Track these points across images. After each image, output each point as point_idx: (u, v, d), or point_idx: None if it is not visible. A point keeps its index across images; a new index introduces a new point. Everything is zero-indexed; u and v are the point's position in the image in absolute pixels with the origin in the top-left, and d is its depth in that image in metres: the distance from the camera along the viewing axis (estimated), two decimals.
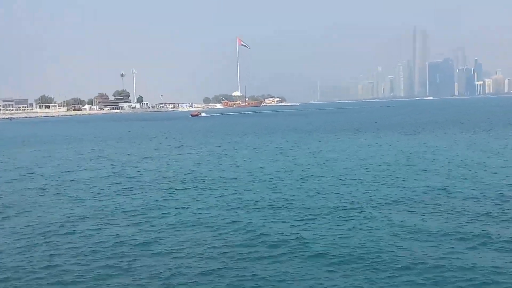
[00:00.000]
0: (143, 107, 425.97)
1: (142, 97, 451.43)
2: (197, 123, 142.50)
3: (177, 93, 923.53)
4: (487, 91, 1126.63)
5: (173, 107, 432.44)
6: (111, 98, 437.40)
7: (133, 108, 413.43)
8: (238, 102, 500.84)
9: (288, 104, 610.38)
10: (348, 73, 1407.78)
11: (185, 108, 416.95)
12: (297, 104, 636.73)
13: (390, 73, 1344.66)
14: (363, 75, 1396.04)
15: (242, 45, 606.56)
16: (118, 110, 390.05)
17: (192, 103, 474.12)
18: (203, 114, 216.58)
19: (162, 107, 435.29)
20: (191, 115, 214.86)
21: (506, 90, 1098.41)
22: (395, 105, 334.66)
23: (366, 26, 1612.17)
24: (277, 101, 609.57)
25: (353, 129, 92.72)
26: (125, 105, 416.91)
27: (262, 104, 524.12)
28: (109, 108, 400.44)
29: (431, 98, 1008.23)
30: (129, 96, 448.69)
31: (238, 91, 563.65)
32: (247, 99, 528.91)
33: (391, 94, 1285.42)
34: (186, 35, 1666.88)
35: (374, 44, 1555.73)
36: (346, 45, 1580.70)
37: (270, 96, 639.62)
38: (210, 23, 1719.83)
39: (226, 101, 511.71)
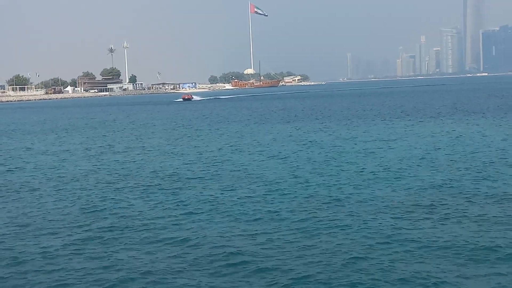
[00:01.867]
0: (136, 89, 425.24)
1: (135, 77, 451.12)
2: (175, 111, 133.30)
3: (178, 72, 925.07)
4: None
5: (173, 88, 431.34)
6: (99, 78, 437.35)
7: (124, 89, 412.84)
8: (251, 81, 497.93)
9: (312, 83, 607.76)
10: (385, 45, 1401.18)
11: (187, 89, 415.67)
12: (323, 83, 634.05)
13: (436, 44, 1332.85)
14: (403, 47, 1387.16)
15: (257, 12, 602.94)
16: (106, 93, 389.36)
17: (195, 83, 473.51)
18: (196, 98, 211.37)
19: (160, 88, 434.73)
20: (182, 98, 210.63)
21: None
22: (447, 84, 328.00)
23: None
24: (298, 79, 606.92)
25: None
26: (115, 86, 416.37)
27: (281, 83, 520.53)
28: (96, 90, 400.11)
29: (486, 74, 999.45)
30: (119, 75, 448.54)
31: (251, 68, 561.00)
32: (262, 77, 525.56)
33: (437, 70, 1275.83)
34: (188, 1, 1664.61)
35: (416, 8, 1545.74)
36: (381, 10, 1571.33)
37: (290, 74, 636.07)
38: None
39: (236, 80, 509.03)
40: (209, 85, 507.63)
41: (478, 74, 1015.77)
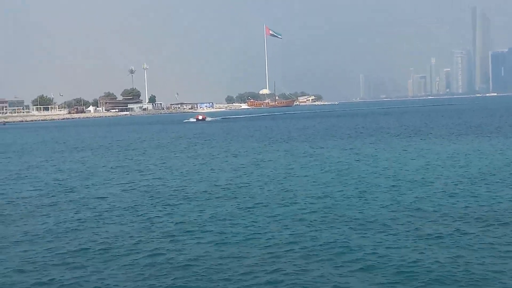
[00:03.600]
0: (156, 108, 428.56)
1: (154, 97, 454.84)
2: (182, 133, 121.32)
3: (196, 92, 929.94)
4: None
5: (191, 108, 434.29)
6: (119, 98, 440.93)
7: (144, 109, 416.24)
8: (266, 101, 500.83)
9: (326, 103, 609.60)
10: (397, 66, 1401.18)
11: (204, 108, 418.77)
12: (336, 103, 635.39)
13: (446, 65, 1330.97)
14: (414, 68, 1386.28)
15: (272, 34, 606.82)
16: (127, 112, 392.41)
17: (213, 103, 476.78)
18: (209, 119, 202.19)
19: (178, 107, 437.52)
20: (195, 118, 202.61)
21: None
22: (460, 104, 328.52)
23: (417, 10, 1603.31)
24: (312, 99, 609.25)
25: None
26: (135, 106, 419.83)
27: (295, 103, 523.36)
28: (116, 110, 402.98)
29: (495, 94, 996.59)
30: (139, 95, 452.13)
31: (266, 88, 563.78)
32: (277, 97, 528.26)
33: (447, 90, 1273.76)
34: (206, 24, 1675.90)
35: (427, 31, 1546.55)
36: (393, 33, 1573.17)
37: (304, 94, 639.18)
38: (235, 9, 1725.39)
39: (252, 100, 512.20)
40: (226, 105, 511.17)
41: (487, 94, 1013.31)
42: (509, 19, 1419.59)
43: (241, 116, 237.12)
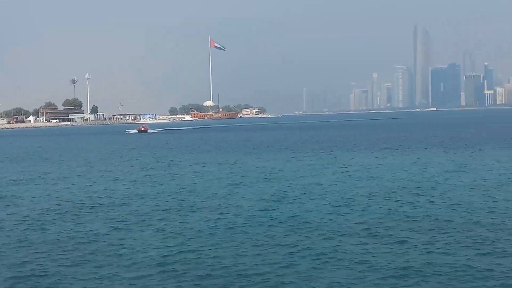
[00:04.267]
0: (98, 119, 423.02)
1: (97, 107, 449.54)
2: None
3: (139, 103, 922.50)
4: (498, 101, 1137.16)
5: (134, 119, 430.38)
6: (61, 108, 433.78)
7: (86, 119, 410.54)
8: (210, 113, 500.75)
9: (269, 115, 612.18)
10: (339, 80, 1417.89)
11: (147, 120, 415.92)
12: (280, 115, 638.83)
13: (387, 80, 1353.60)
14: (356, 83, 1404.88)
15: (216, 47, 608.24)
16: (68, 123, 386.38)
17: (156, 114, 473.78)
18: (151, 130, 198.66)
19: (121, 118, 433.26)
20: (138, 130, 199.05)
21: None
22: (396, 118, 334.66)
23: (359, 24, 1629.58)
24: (256, 112, 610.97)
25: None
26: (76, 116, 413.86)
27: (239, 115, 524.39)
28: (57, 120, 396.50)
29: (434, 109, 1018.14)
30: (81, 106, 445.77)
31: (210, 100, 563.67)
32: (220, 109, 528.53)
33: (388, 105, 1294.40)
34: (151, 34, 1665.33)
35: (369, 46, 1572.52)
36: (335, 47, 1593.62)
37: (247, 106, 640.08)
38: (181, 19, 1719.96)
39: (195, 112, 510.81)
40: (169, 116, 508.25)
41: (427, 109, 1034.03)
42: (449, 36, 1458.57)
43: (183, 128, 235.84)
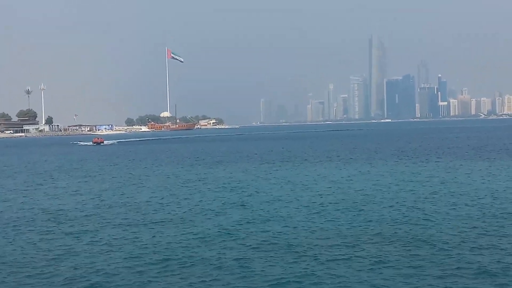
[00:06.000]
0: (53, 130, 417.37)
1: (52, 118, 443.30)
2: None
3: (95, 114, 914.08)
4: (452, 113, 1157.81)
5: (90, 130, 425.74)
6: (15, 119, 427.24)
7: (40, 130, 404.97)
8: (167, 124, 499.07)
9: (227, 126, 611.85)
10: (296, 91, 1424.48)
11: (103, 131, 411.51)
12: (237, 126, 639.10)
13: (343, 91, 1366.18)
14: (313, 94, 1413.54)
15: (174, 57, 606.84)
16: (22, 134, 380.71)
17: (112, 125, 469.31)
18: (107, 142, 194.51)
19: (76, 129, 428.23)
20: (93, 141, 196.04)
21: (473, 112, 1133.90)
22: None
23: (316, 36, 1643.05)
24: (213, 123, 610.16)
25: None
26: (31, 127, 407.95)
27: (196, 126, 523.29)
28: (11, 131, 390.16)
29: (389, 120, 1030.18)
30: (36, 116, 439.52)
31: (167, 111, 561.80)
32: (178, 120, 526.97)
33: (344, 116, 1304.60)
34: (108, 45, 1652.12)
35: (325, 58, 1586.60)
36: (292, 58, 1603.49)
37: (205, 117, 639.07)
38: (137, 30, 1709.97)
39: (152, 122, 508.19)
40: (125, 127, 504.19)
41: (382, 120, 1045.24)
42: (404, 48, 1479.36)
43: (139, 139, 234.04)
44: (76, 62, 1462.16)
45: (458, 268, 23.22)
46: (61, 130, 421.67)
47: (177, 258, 25.76)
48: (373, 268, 23.49)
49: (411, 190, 45.71)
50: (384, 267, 23.58)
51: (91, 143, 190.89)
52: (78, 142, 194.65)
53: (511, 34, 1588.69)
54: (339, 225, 32.22)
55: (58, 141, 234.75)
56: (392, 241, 27.74)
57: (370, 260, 24.53)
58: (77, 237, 30.95)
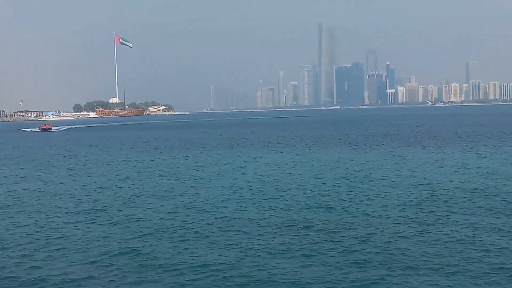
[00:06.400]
0: None
1: None
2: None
3: (42, 99, 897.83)
4: (399, 100, 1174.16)
5: (36, 116, 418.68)
6: None
7: None
8: (116, 110, 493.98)
9: (176, 113, 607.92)
10: (246, 77, 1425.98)
11: (50, 117, 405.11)
12: (187, 113, 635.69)
13: (293, 78, 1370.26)
14: (263, 81, 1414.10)
15: (122, 43, 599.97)
16: None
17: (59, 111, 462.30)
18: (55, 128, 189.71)
19: (23, 115, 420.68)
20: (40, 128, 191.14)
21: (420, 100, 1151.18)
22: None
23: (266, 23, 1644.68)
24: (163, 109, 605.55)
25: None
26: None
27: (145, 112, 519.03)
28: None
29: (339, 107, 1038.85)
30: None
31: (116, 97, 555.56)
32: (127, 106, 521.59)
33: (294, 103, 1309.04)
34: (55, 29, 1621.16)
35: (276, 44, 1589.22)
36: (242, 44, 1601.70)
37: (154, 104, 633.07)
38: (86, 14, 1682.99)
39: (101, 109, 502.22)
40: (73, 114, 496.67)
41: (331, 107, 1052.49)
42: (353, 36, 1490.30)
43: (89, 125, 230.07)
44: (20, 46, 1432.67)
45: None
46: (6, 116, 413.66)
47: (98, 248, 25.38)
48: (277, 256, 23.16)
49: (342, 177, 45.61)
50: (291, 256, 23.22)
51: (38, 129, 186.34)
52: (26, 129, 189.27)
53: (458, 20, 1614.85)
54: (248, 211, 32.12)
55: (4, 128, 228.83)
56: (299, 228, 27.58)
57: (276, 249, 24.22)
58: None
